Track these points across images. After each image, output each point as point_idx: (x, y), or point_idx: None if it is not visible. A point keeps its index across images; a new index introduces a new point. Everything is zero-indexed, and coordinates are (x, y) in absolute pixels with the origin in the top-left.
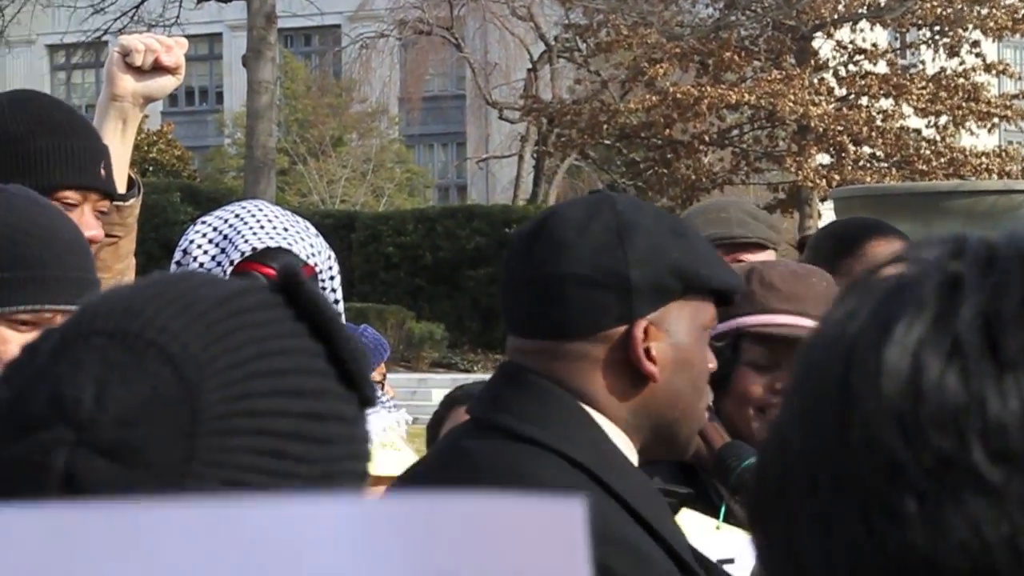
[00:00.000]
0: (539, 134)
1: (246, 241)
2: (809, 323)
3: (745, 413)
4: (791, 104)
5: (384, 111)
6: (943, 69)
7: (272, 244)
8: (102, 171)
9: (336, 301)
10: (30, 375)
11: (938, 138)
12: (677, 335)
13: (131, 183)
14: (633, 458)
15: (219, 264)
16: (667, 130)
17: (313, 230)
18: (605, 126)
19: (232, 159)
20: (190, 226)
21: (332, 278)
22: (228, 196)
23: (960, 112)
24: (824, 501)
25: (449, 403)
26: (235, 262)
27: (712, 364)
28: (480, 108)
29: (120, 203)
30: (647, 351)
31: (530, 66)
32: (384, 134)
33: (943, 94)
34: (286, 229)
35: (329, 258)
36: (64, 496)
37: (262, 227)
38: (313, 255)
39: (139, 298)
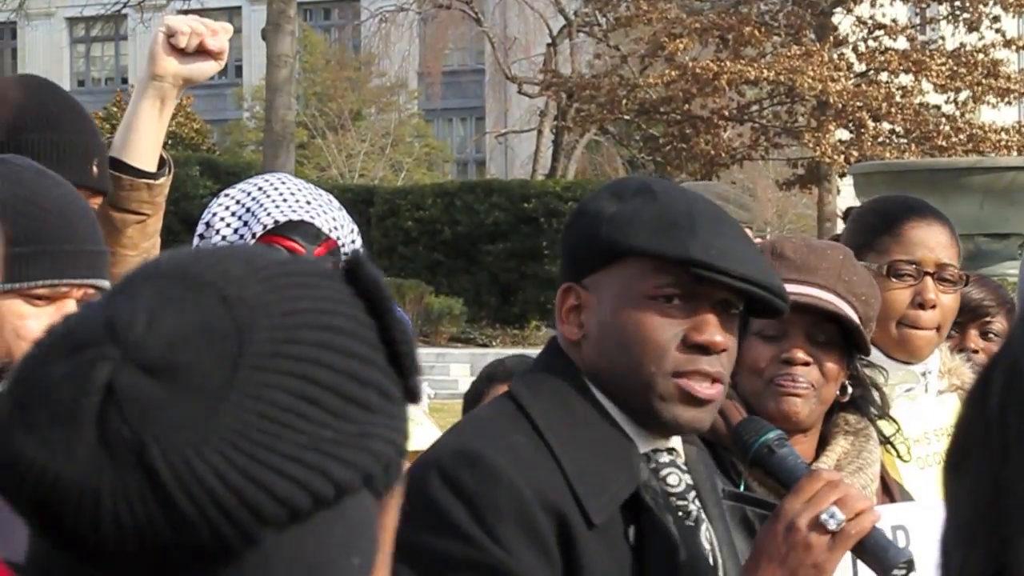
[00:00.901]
0: (558, 109)
1: (268, 214)
2: (818, 293)
3: (753, 383)
4: (810, 80)
5: (403, 85)
6: (963, 44)
7: (294, 217)
8: (94, 168)
9: None
10: (88, 307)
11: (957, 114)
12: (605, 301)
13: (162, 162)
14: (630, 429)
15: (242, 237)
16: (686, 105)
17: (336, 203)
18: (624, 101)
19: (251, 132)
20: (212, 200)
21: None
22: (247, 170)
23: (980, 88)
24: None
25: (488, 379)
26: (257, 235)
27: (661, 332)
28: (499, 83)
29: (151, 181)
30: (572, 314)
31: (549, 40)
32: (403, 108)
33: (962, 70)
34: (308, 202)
35: (352, 231)
36: (101, 408)
37: (284, 200)
38: (335, 228)
39: (203, 251)
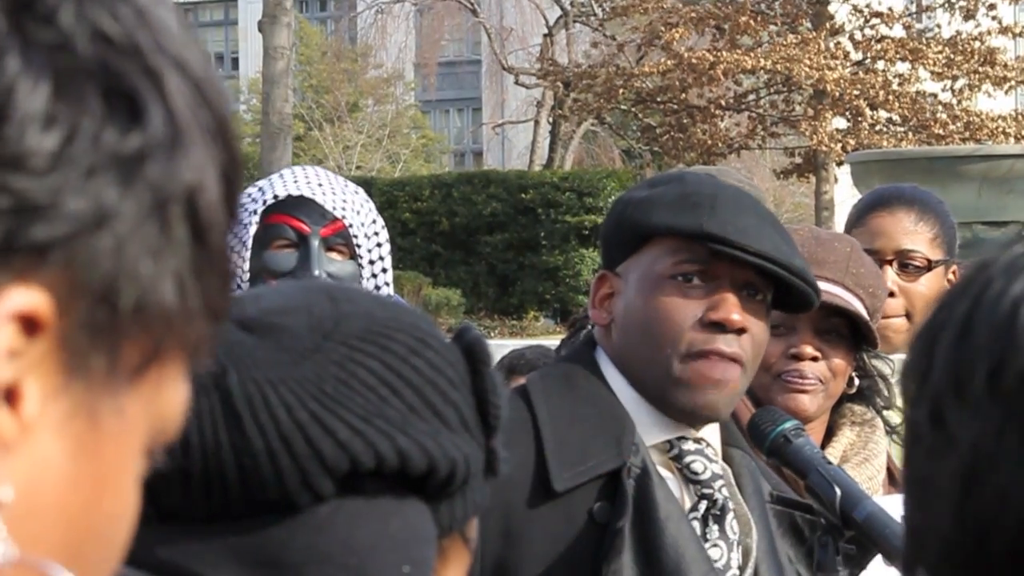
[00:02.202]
0: (555, 99)
1: (273, 188)
2: (826, 287)
3: (761, 378)
4: (807, 68)
5: (400, 76)
6: (959, 32)
7: (295, 192)
8: None
9: (371, 262)
10: None
11: (954, 102)
12: (630, 285)
13: None
14: (649, 419)
15: (253, 212)
16: (683, 95)
17: (362, 194)
18: (621, 91)
19: (247, 125)
20: None
21: (379, 244)
22: (245, 162)
23: (976, 75)
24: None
25: (508, 371)
26: (257, 211)
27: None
28: (496, 73)
29: None
30: (605, 301)
31: (546, 31)
32: (400, 100)
33: (959, 58)
34: (320, 184)
35: (375, 223)
36: None
37: (295, 180)
38: (345, 210)
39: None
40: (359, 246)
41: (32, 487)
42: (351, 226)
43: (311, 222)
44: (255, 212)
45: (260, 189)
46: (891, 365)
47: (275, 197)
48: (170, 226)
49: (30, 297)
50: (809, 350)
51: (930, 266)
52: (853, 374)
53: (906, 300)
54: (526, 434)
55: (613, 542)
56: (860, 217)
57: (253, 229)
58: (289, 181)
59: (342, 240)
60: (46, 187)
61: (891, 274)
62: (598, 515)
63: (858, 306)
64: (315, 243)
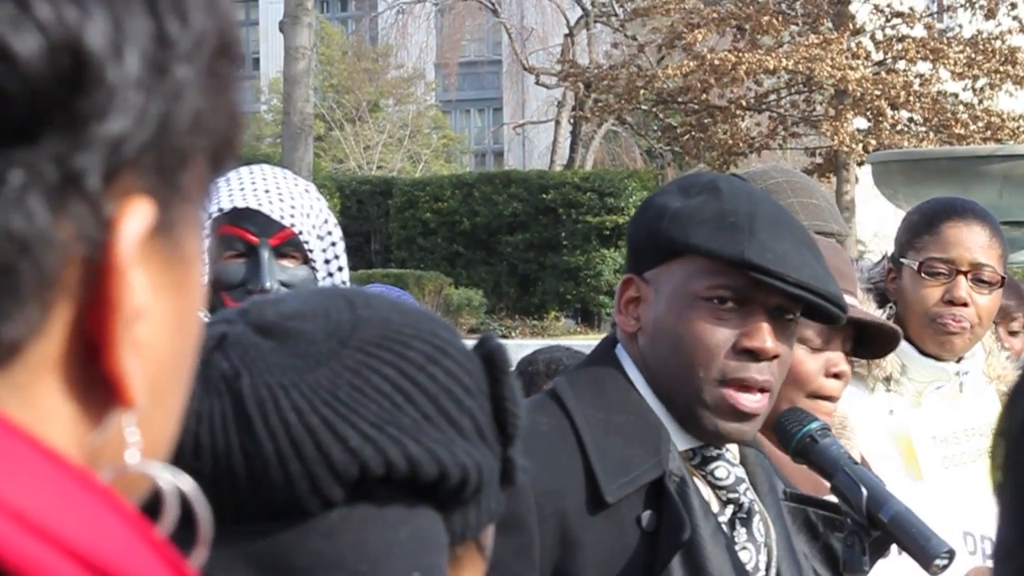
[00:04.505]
0: (576, 99)
1: (218, 202)
2: (853, 301)
3: (794, 395)
4: (828, 69)
5: (420, 76)
6: (980, 32)
7: (241, 204)
8: None
9: (327, 261)
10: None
11: (975, 101)
12: (661, 296)
13: None
14: (671, 427)
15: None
16: (704, 95)
17: (312, 192)
18: (642, 91)
19: (268, 125)
20: None
21: (333, 244)
22: (265, 162)
23: (997, 75)
24: None
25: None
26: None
27: (712, 336)
28: (517, 73)
29: None
30: (631, 306)
31: (567, 31)
32: (421, 100)
33: (980, 57)
34: (267, 191)
35: (326, 222)
36: (210, 353)
37: (242, 188)
38: (294, 216)
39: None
40: (311, 250)
41: (139, 345)
42: (301, 232)
43: (259, 231)
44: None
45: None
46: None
47: (220, 210)
48: (217, 71)
49: (140, 217)
50: (846, 368)
51: (1001, 283)
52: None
53: (974, 312)
54: (569, 443)
55: (666, 553)
56: (932, 225)
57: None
58: (236, 190)
59: (292, 247)
60: (129, 107)
61: (964, 285)
62: (647, 525)
63: (879, 316)
64: (265, 253)
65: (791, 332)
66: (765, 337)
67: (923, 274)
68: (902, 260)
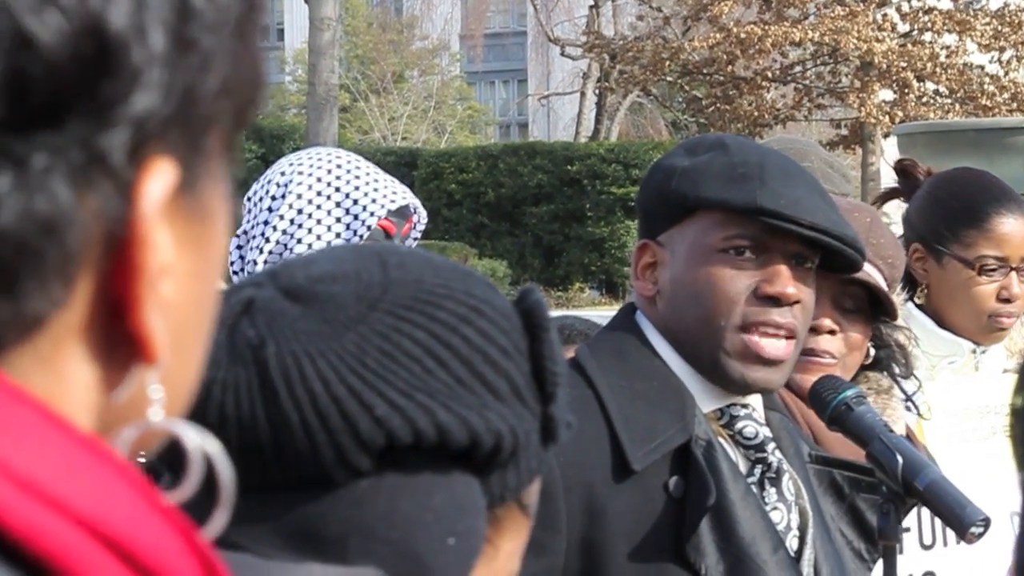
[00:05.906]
0: (601, 71)
1: (374, 202)
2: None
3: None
4: (855, 40)
5: (445, 48)
6: (1007, 3)
7: (402, 203)
8: None
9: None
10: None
11: (1002, 73)
12: (677, 256)
13: None
14: (701, 386)
15: (354, 232)
16: (729, 67)
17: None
18: (667, 63)
19: (292, 96)
20: (274, 171)
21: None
22: (291, 133)
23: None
24: None
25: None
26: (372, 226)
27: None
28: (542, 45)
29: None
30: (648, 271)
31: (592, 2)
32: (445, 71)
33: (1006, 29)
34: (394, 180)
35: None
36: (237, 318)
37: (386, 186)
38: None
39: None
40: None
41: (163, 301)
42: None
43: (399, 221)
44: (367, 228)
45: (357, 203)
46: (908, 335)
47: (384, 208)
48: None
49: (163, 178)
50: (827, 323)
51: None
52: (869, 344)
53: (1021, 303)
54: (593, 411)
55: (693, 518)
56: (979, 219)
57: None
58: (384, 191)
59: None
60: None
61: (1016, 280)
62: (674, 490)
63: (877, 277)
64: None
65: (811, 280)
66: (786, 283)
67: (980, 273)
68: (940, 248)
